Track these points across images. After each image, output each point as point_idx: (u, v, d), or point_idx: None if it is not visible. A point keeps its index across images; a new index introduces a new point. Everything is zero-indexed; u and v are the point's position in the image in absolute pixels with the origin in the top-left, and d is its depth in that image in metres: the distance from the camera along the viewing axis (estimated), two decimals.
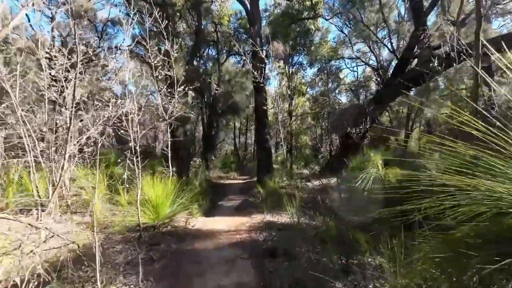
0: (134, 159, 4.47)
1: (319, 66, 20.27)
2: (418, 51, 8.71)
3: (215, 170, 10.82)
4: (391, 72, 11.45)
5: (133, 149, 4.43)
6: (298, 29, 16.94)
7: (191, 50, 8.84)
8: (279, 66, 18.49)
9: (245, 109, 9.60)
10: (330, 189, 9.05)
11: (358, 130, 8.56)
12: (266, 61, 6.28)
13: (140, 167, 4.63)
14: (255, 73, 6.22)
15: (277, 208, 6.35)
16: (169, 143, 5.59)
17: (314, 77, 21.93)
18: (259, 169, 8.98)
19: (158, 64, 5.28)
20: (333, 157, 9.25)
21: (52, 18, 11.33)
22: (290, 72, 19.17)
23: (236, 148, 20.51)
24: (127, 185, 5.13)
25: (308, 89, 23.22)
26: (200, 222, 5.40)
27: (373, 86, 18.15)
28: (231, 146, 22.59)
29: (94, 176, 6.74)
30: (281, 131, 6.22)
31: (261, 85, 7.29)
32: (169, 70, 5.29)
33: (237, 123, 21.00)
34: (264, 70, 6.54)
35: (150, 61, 5.23)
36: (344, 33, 13.95)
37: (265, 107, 8.30)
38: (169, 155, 5.59)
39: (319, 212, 5.82)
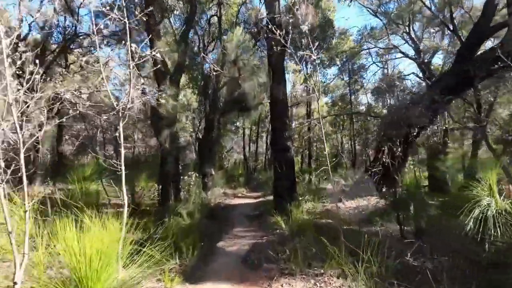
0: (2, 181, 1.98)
1: (339, 65, 17.74)
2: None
3: (217, 187, 8.28)
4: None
5: None
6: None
7: (184, 22, 6.53)
8: (297, 62, 16.04)
9: (258, 106, 6.99)
10: (380, 218, 6.32)
11: (432, 130, 5.93)
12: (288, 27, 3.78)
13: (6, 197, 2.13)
14: (275, 31, 3.72)
15: (315, 265, 3.68)
16: (122, 150, 3.07)
17: (334, 77, 19.40)
18: (277, 189, 6.34)
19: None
20: (387, 169, 6.57)
21: None
22: (308, 70, 16.75)
23: (246, 157, 17.96)
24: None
25: (325, 93, 20.64)
26: None
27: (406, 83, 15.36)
28: (241, 155, 20.12)
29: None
30: (322, 130, 3.61)
31: (282, 53, 4.74)
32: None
33: (247, 129, 18.51)
34: (286, 40, 4.08)
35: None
36: (379, 18, 11.38)
37: (284, 98, 5.81)
38: (123, 172, 3.06)
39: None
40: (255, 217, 6.56)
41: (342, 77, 18.75)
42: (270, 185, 10.93)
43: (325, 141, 3.42)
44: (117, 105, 2.92)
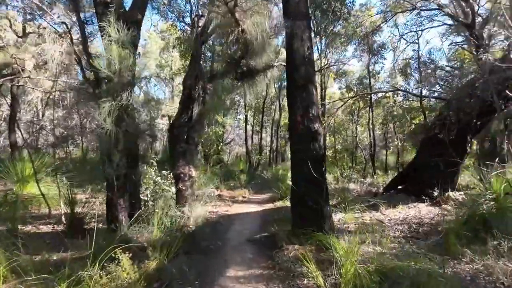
0: None
1: (357, 42, 14.96)
2: None
3: (209, 188, 5.81)
4: None
5: None
6: None
7: None
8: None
9: (268, 69, 4.17)
10: (466, 246, 3.84)
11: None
12: None
13: None
14: None
15: None
16: None
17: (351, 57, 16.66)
18: (298, 200, 3.87)
19: None
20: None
21: None
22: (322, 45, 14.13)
23: (248, 151, 15.52)
24: None
25: (341, 76, 17.93)
26: None
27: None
28: (243, 148, 17.68)
29: None
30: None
31: None
32: None
33: (250, 116, 16.01)
34: None
35: None
36: None
37: (310, 54, 3.40)
38: None
39: None
40: (262, 243, 4.12)
41: (360, 57, 15.99)
42: (278, 184, 8.51)
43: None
44: None
